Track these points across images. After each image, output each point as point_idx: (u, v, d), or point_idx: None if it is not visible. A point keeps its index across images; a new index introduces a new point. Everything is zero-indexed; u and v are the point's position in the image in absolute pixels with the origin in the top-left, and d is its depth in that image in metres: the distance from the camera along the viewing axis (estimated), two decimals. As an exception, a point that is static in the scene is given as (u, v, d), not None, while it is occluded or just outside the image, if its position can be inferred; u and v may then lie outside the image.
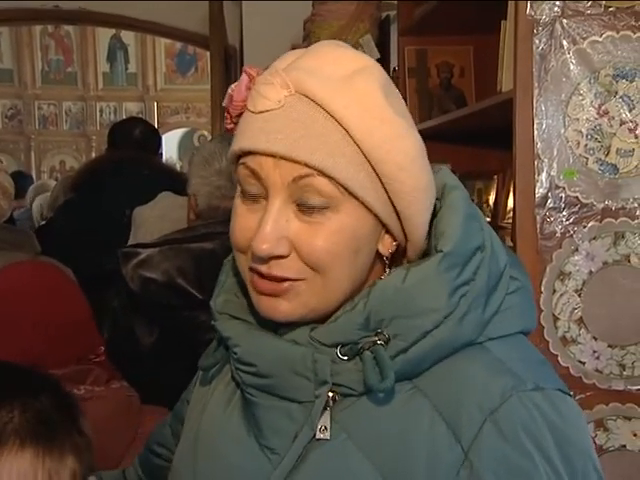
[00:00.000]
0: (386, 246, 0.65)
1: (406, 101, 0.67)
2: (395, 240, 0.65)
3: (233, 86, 0.66)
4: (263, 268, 0.62)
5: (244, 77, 0.65)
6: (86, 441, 0.75)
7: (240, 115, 0.65)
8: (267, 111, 0.61)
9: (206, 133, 8.99)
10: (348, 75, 0.61)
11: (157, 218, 1.66)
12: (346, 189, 0.60)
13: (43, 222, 3.51)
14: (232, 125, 0.66)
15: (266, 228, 0.61)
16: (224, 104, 0.67)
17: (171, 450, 0.84)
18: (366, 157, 0.61)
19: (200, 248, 1.28)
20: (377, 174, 0.61)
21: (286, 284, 0.62)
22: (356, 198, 0.61)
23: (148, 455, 0.88)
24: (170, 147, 8.41)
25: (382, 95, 0.61)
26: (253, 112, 0.62)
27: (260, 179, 0.62)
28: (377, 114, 0.61)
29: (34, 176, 7.64)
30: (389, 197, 0.62)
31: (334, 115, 0.60)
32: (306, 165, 0.60)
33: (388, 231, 0.65)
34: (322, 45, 0.65)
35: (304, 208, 0.61)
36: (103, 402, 1.01)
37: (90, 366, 1.06)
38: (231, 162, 0.66)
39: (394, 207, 0.63)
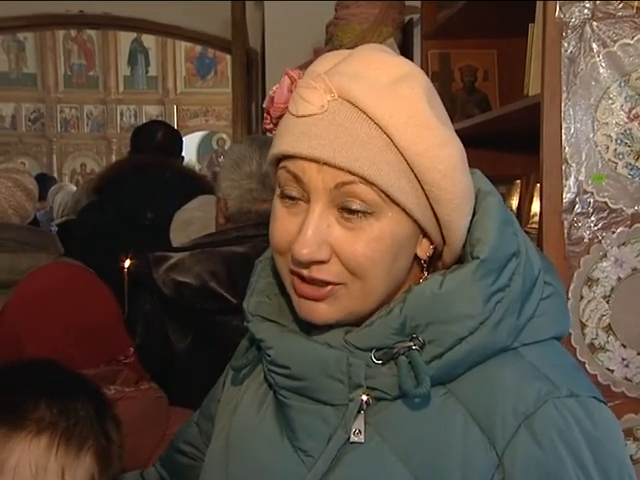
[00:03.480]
0: (424, 250, 0.66)
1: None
2: (433, 244, 0.65)
3: (274, 88, 0.66)
4: (304, 272, 0.63)
5: (286, 79, 0.65)
6: (114, 448, 0.75)
7: (280, 117, 0.65)
8: (310, 115, 0.61)
9: (225, 136, 9.03)
10: (392, 82, 0.61)
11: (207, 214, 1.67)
12: (388, 196, 0.61)
13: (61, 219, 3.56)
14: (272, 126, 0.67)
15: (307, 233, 0.61)
16: (264, 105, 0.67)
17: (198, 448, 0.84)
18: (409, 164, 0.61)
19: (231, 252, 1.28)
20: (419, 181, 0.62)
21: (327, 288, 0.63)
22: (397, 204, 0.61)
23: (173, 454, 0.88)
24: (189, 150, 8.46)
25: (426, 102, 0.61)
26: (295, 115, 0.62)
27: (302, 183, 0.62)
28: (421, 122, 0.61)
29: (57, 178, 7.72)
30: (430, 203, 0.63)
31: (378, 122, 0.60)
32: (349, 172, 0.60)
33: (426, 235, 0.65)
34: (365, 49, 0.66)
35: (345, 214, 0.62)
36: (132, 403, 1.02)
37: (120, 367, 1.07)
38: (270, 164, 0.67)
39: (434, 212, 0.63)
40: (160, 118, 8.15)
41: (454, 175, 0.62)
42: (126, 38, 8.77)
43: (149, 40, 8.74)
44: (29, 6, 3.95)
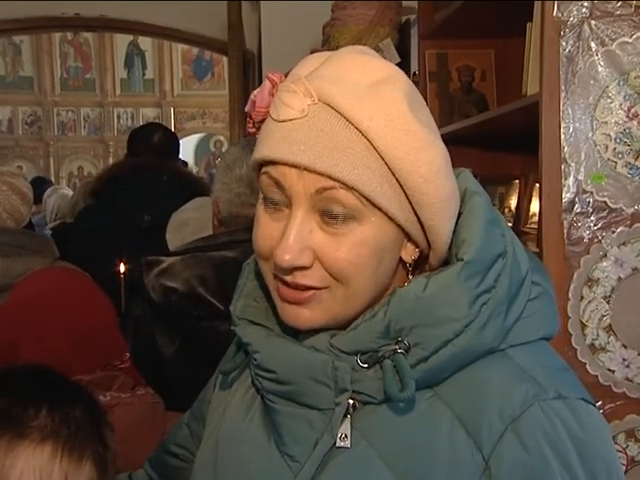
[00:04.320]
0: (409, 254, 0.65)
1: (427, 105, 0.66)
2: (418, 247, 0.65)
3: (255, 92, 0.65)
4: (288, 278, 0.62)
5: (267, 83, 0.64)
6: (110, 455, 0.75)
7: (262, 121, 0.64)
8: (290, 120, 0.60)
9: (222, 138, 9.02)
10: (373, 84, 0.60)
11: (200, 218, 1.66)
12: (369, 201, 0.60)
13: (55, 222, 3.55)
14: (254, 130, 0.66)
15: (289, 239, 0.60)
16: (246, 109, 0.66)
17: (189, 450, 0.83)
18: (390, 169, 0.60)
19: (222, 257, 1.26)
20: (401, 185, 0.61)
21: (310, 292, 0.62)
22: (379, 209, 0.60)
23: (163, 456, 0.88)
24: (187, 152, 8.45)
25: (407, 105, 0.60)
26: (276, 120, 0.61)
27: (283, 189, 0.61)
28: (402, 125, 0.60)
29: (53, 182, 7.70)
30: (412, 207, 0.62)
31: (358, 126, 0.59)
32: (329, 177, 0.59)
33: (411, 239, 0.64)
34: (346, 52, 0.64)
35: (327, 219, 0.61)
36: (129, 409, 1.01)
37: (116, 372, 1.07)
38: (253, 169, 0.66)
39: (417, 216, 0.62)
40: (157, 121, 8.13)
41: (436, 179, 0.61)
42: (122, 41, 8.76)
43: (145, 43, 8.73)
44: (25, 9, 3.94)
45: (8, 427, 0.70)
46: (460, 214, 0.64)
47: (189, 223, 1.68)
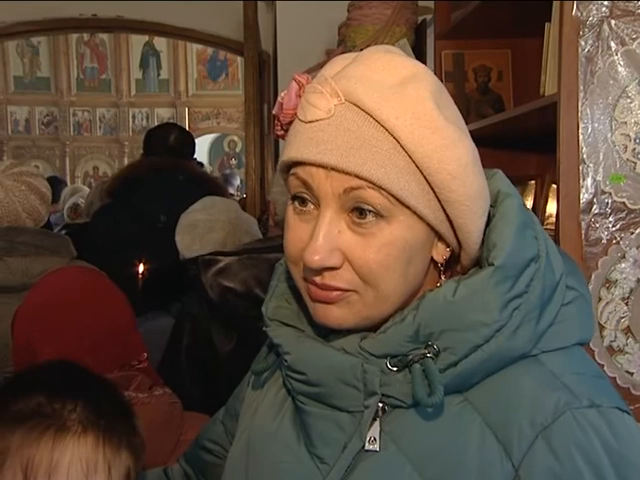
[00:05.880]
0: (440, 253, 0.64)
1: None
2: (449, 247, 0.64)
3: (283, 94, 0.65)
4: (317, 279, 0.62)
5: (294, 85, 0.64)
6: (140, 441, 0.77)
7: (290, 123, 0.64)
8: (317, 121, 0.60)
9: (236, 138, 9.06)
10: (399, 83, 0.60)
11: (207, 220, 1.67)
12: (397, 199, 0.60)
13: (70, 221, 3.57)
14: (282, 132, 0.66)
15: (318, 239, 0.60)
16: (274, 112, 0.66)
17: (223, 447, 0.84)
18: (417, 167, 0.60)
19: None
20: (429, 183, 0.60)
21: (338, 292, 0.62)
22: (408, 208, 0.60)
23: (198, 452, 0.88)
24: (201, 152, 8.48)
25: (433, 103, 0.60)
26: (303, 121, 0.62)
27: (311, 189, 0.61)
28: (428, 123, 0.59)
29: (68, 181, 7.77)
30: (441, 205, 0.61)
31: (384, 125, 0.59)
32: (357, 176, 0.59)
33: (441, 238, 0.63)
34: (372, 51, 0.64)
35: (356, 219, 0.61)
36: (146, 409, 1.01)
37: (133, 372, 1.07)
38: (281, 171, 0.66)
39: (447, 215, 0.62)
40: (172, 121, 8.17)
41: (464, 176, 0.60)
42: (138, 41, 8.82)
43: (160, 43, 8.79)
44: (42, 10, 3.98)
45: (51, 421, 0.72)
46: (493, 216, 0.64)
47: (198, 225, 1.69)
